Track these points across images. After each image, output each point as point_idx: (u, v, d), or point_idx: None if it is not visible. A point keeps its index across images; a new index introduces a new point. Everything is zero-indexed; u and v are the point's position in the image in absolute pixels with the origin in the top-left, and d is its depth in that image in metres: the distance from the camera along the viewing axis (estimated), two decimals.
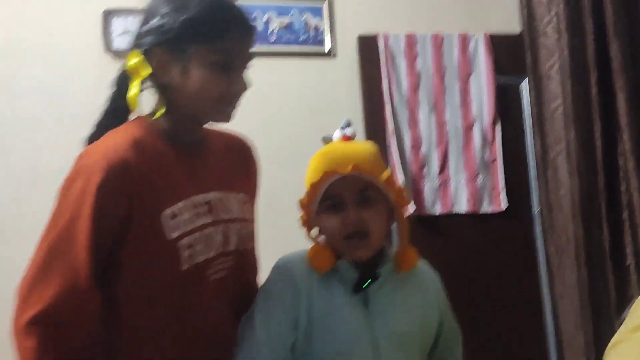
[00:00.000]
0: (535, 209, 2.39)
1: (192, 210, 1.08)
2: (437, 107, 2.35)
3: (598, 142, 2.23)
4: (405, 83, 2.32)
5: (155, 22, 1.06)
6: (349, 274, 1.19)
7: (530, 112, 2.41)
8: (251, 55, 1.12)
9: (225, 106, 1.11)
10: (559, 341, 2.34)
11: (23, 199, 2.04)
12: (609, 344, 1.00)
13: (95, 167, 1.00)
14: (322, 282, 1.19)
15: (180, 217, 1.05)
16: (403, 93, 2.32)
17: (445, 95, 2.35)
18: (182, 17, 1.04)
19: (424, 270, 1.30)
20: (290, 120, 2.27)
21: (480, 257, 2.34)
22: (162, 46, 1.06)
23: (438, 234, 2.33)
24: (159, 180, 1.05)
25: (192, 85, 1.06)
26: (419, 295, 1.24)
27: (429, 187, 2.33)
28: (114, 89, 1.12)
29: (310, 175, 1.21)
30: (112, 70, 1.14)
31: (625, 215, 2.23)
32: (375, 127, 2.28)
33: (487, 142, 2.37)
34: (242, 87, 1.11)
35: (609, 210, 2.23)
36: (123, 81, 1.11)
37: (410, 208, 2.23)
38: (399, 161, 2.27)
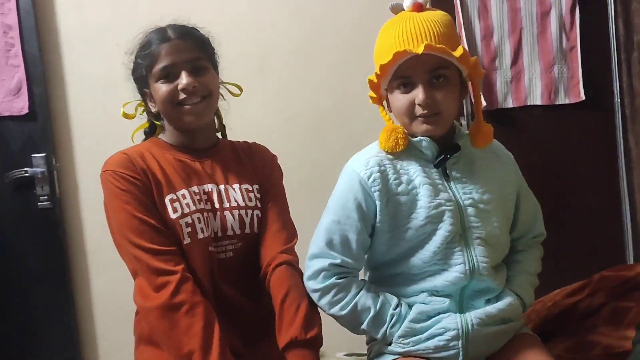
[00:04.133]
0: (617, 98, 2.25)
1: (190, 197, 1.29)
2: None
3: None
4: None
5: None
6: (430, 148, 1.18)
7: None
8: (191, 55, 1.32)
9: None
10: (636, 231, 2.28)
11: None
12: None
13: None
14: (397, 163, 1.19)
15: (181, 202, 1.28)
16: None
17: None
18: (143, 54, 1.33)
19: (499, 147, 1.32)
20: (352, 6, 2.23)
21: (557, 150, 2.27)
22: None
23: (512, 128, 2.26)
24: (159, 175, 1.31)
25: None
26: (496, 168, 1.26)
27: (501, 80, 2.23)
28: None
29: (379, 52, 1.18)
30: None
31: None
32: None
33: (564, 29, 2.21)
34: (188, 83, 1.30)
35: None
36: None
37: (482, 102, 2.15)
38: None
